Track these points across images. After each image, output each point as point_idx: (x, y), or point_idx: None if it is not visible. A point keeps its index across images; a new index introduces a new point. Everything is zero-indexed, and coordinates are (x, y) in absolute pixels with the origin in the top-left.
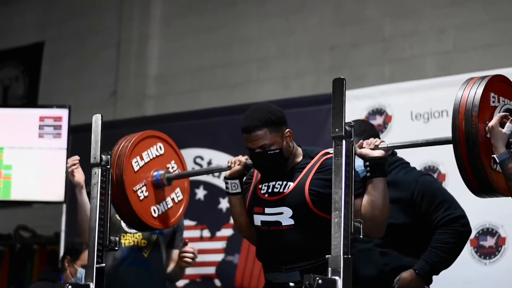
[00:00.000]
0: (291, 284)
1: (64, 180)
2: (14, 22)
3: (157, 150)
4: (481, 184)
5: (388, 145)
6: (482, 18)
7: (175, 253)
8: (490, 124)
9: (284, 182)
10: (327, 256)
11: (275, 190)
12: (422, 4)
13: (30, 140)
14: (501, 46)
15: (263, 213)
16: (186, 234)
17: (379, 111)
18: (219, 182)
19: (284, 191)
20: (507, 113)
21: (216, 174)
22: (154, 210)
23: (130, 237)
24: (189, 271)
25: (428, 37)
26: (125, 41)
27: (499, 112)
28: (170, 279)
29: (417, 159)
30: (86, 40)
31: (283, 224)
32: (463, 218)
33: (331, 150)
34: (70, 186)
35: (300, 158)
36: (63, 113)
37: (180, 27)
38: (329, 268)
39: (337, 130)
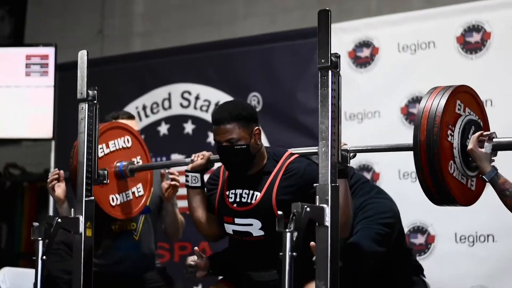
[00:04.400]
0: (279, 212)
1: (52, 117)
2: None
3: (124, 142)
4: (437, 186)
5: (350, 148)
6: None
7: None
8: (469, 147)
9: (251, 192)
10: (314, 184)
11: (243, 200)
12: None
13: (17, 79)
14: None
15: (234, 223)
16: (175, 168)
17: (366, 44)
18: (208, 116)
19: (252, 202)
20: (481, 132)
21: (205, 108)
22: (112, 199)
23: (119, 222)
24: (180, 204)
25: None
26: None
27: (462, 121)
28: (168, 235)
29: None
30: None
31: (254, 235)
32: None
33: (294, 150)
34: (59, 122)
35: (265, 161)
36: (50, 51)
37: None
38: (317, 196)
39: (323, 61)
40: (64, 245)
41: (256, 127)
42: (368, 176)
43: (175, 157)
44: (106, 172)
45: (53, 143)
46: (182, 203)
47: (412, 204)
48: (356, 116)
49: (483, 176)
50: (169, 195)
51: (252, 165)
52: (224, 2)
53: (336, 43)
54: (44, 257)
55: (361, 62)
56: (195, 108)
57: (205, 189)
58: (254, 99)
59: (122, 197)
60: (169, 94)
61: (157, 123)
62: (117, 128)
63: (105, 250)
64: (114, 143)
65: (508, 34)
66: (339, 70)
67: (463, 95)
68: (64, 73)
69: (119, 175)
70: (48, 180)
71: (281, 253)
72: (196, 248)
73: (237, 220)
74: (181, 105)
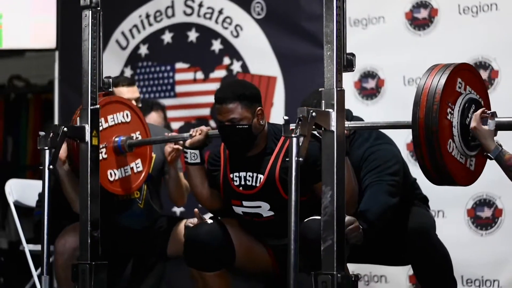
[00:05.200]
0: (285, 117)
1: (56, 26)
2: None
3: (123, 117)
4: (435, 165)
5: (349, 125)
6: None
7: None
8: (472, 125)
9: (255, 174)
10: (320, 89)
11: (248, 183)
12: None
13: None
14: None
15: (242, 206)
16: (180, 76)
17: None
18: (211, 24)
19: (257, 185)
20: (483, 108)
21: (208, 16)
22: (110, 174)
23: None
24: (184, 113)
25: None
26: None
27: (463, 100)
28: (173, 199)
29: None
30: None
31: (264, 216)
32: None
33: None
34: (62, 33)
35: (266, 141)
36: None
37: None
38: (323, 101)
39: None
40: None
41: (259, 107)
42: (372, 83)
43: (180, 65)
44: (110, 80)
45: (57, 53)
46: None
47: None
48: (360, 22)
49: (488, 154)
50: (172, 158)
51: (254, 145)
52: None
53: None
54: (51, 166)
55: None
56: (198, 15)
57: (206, 166)
58: (258, 6)
59: (120, 172)
60: (172, 2)
61: (161, 31)
62: (116, 102)
63: (110, 220)
64: (113, 118)
65: None
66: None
67: (464, 73)
68: None
69: (118, 150)
70: None
71: (287, 159)
72: (196, 210)
73: (245, 203)
74: (185, 12)
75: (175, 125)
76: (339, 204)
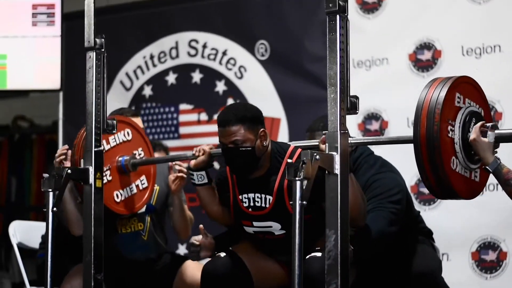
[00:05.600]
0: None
1: (60, 67)
2: None
3: (124, 135)
4: (439, 182)
5: (352, 141)
6: None
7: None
8: (472, 137)
9: (263, 195)
10: (323, 132)
11: (257, 204)
12: None
13: (23, 29)
14: None
15: (253, 226)
16: (184, 118)
17: None
18: (215, 65)
19: (266, 206)
20: (483, 122)
21: (212, 57)
22: (117, 195)
23: (126, 223)
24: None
25: None
26: None
27: (463, 114)
28: (177, 231)
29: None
30: None
31: (276, 234)
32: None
33: (295, 143)
34: (66, 74)
35: (271, 161)
36: (56, 0)
37: None
38: (326, 144)
39: (330, 5)
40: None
41: (262, 129)
42: (376, 125)
43: (184, 106)
44: (115, 122)
45: (61, 94)
46: None
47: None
48: (364, 63)
49: (487, 167)
50: (176, 187)
51: (258, 167)
52: None
53: None
54: (55, 208)
55: (369, 8)
56: (202, 56)
57: (214, 184)
58: (262, 47)
59: (126, 192)
60: (176, 43)
61: (165, 72)
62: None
63: (113, 253)
64: (115, 138)
65: None
66: (347, 14)
67: (462, 86)
68: (71, 23)
69: (122, 170)
70: (56, 155)
71: (291, 202)
72: (201, 226)
73: (255, 224)
74: (189, 54)
75: None
76: (343, 248)
